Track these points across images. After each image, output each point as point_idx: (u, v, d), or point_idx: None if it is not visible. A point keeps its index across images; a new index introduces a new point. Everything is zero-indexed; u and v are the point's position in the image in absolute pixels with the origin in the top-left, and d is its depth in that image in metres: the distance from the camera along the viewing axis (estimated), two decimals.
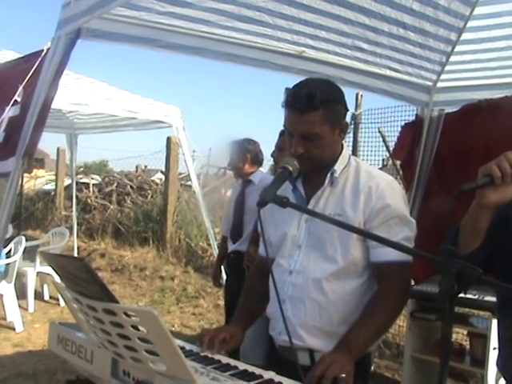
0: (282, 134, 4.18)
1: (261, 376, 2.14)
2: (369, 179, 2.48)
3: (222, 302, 8.49)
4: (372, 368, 5.98)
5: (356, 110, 6.85)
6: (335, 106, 2.44)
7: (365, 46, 4.48)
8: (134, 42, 3.88)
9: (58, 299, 8.42)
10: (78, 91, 7.68)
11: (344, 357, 2.23)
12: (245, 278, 4.65)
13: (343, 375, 2.11)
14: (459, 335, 5.92)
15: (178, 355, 1.83)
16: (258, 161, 5.34)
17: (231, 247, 5.37)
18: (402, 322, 6.38)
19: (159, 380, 1.96)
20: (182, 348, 2.37)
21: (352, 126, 6.89)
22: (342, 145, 2.59)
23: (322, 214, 2.35)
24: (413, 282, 5.24)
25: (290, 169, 2.21)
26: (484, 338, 4.46)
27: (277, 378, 2.13)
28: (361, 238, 2.44)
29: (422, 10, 4.18)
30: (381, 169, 7.06)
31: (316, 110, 2.36)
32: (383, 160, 7.34)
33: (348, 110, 2.56)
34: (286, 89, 2.46)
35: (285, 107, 2.45)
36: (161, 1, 3.57)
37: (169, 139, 11.89)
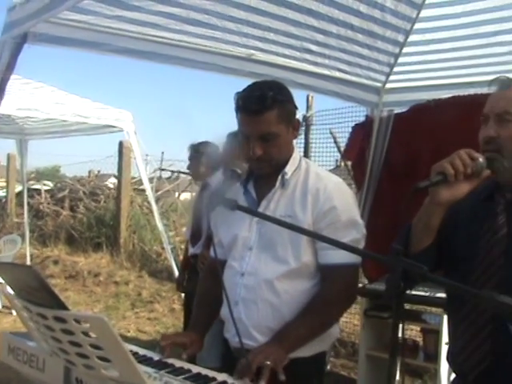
0: (228, 137, 4.19)
1: (214, 379, 2.15)
2: (317, 181, 2.51)
3: (177, 306, 8.48)
4: (328, 367, 6.04)
5: (307, 111, 6.88)
6: (287, 104, 2.48)
7: (314, 47, 4.50)
8: (82, 46, 3.84)
9: (10, 308, 8.27)
10: (27, 96, 7.56)
11: (273, 347, 2.27)
12: None
13: (268, 362, 2.14)
14: (413, 332, 6.01)
15: (130, 360, 1.82)
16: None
17: (190, 251, 5.35)
18: (356, 321, 6.45)
19: None
20: (135, 353, 2.36)
21: (303, 128, 6.92)
22: (294, 147, 2.61)
23: (270, 216, 2.38)
24: (366, 281, 5.32)
25: (239, 171, 2.22)
26: (436, 333, 4.54)
27: (230, 379, 2.14)
28: (311, 239, 2.45)
29: (370, 12, 4.23)
30: (334, 170, 7.11)
31: (271, 110, 2.39)
32: (336, 161, 7.40)
33: (297, 109, 2.59)
34: (237, 93, 2.48)
35: (238, 111, 2.46)
36: (109, 5, 3.53)
37: (121, 143, 11.81)
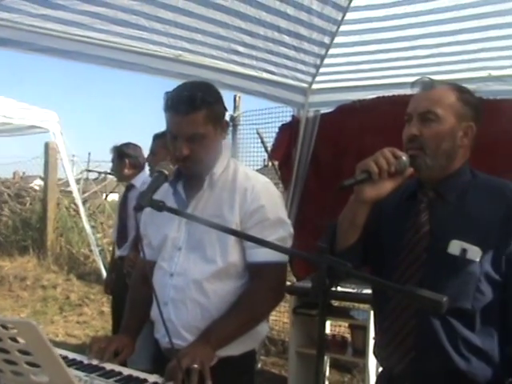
0: (154, 138, 4.17)
1: (146, 380, 2.14)
2: (245, 181, 2.53)
3: (106, 309, 8.37)
4: (259, 365, 6.08)
5: (234, 112, 6.90)
6: (216, 106, 2.48)
7: (241, 49, 4.53)
8: (5, 44, 3.74)
9: None
10: None
11: (200, 348, 2.27)
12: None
13: (195, 366, 2.14)
14: (341, 328, 6.12)
15: (60, 365, 1.79)
16: (138, 165, 5.28)
17: (117, 253, 5.30)
18: (286, 319, 6.51)
19: None
20: (65, 357, 2.32)
21: (231, 128, 6.94)
22: (222, 147, 2.62)
23: (196, 216, 2.39)
24: (294, 280, 5.38)
25: (166, 172, 2.21)
26: (364, 329, 4.64)
27: (161, 380, 2.14)
28: (238, 239, 2.48)
29: (297, 15, 4.29)
30: (261, 169, 7.15)
31: (199, 111, 2.39)
32: (264, 160, 7.44)
33: (227, 110, 2.61)
34: (166, 93, 2.47)
35: (166, 111, 2.46)
36: (33, 3, 3.46)
37: (47, 144, 11.57)
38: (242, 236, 2.40)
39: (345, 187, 1.99)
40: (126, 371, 2.23)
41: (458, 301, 2.02)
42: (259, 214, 2.47)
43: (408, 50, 4.64)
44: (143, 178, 5.28)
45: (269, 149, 6.21)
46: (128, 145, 5.31)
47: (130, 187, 5.28)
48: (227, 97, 6.67)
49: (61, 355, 1.96)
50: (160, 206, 2.02)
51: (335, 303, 5.23)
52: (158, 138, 4.16)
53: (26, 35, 3.76)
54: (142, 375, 2.19)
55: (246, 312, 2.45)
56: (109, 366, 2.28)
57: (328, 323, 5.50)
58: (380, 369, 2.46)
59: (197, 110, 2.39)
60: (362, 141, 5.13)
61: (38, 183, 15.71)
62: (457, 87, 2.19)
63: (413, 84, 2.21)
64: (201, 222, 2.17)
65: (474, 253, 2.04)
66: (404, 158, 2.05)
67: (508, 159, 4.16)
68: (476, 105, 2.19)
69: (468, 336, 2.06)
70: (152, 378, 2.16)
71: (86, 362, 2.33)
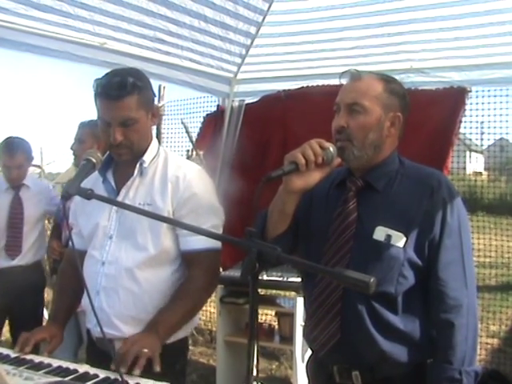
0: (81, 126, 4.08)
1: (76, 370, 2.12)
2: (177, 169, 2.54)
3: None
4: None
5: (159, 101, 6.84)
6: (146, 91, 2.49)
7: (167, 37, 4.50)
8: None
9: None
10: None
11: (149, 337, 2.28)
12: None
13: (145, 350, 2.15)
14: (268, 316, 6.18)
15: None
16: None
17: (6, 263, 4.78)
18: (212, 309, 6.52)
19: None
20: None
21: None
22: (152, 135, 2.63)
23: (127, 204, 2.38)
24: (221, 269, 5.40)
25: (94, 160, 2.18)
26: (291, 316, 4.69)
27: (92, 370, 2.12)
28: (170, 226, 2.49)
29: (223, 4, 4.30)
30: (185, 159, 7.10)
31: (130, 95, 2.39)
32: (187, 151, 7.41)
33: (156, 96, 2.60)
34: (96, 80, 2.45)
35: (98, 97, 2.44)
36: None
37: None
38: (174, 223, 2.42)
39: (272, 178, 2.00)
40: (55, 363, 2.20)
41: (381, 285, 2.08)
42: (192, 202, 2.49)
43: (333, 42, 4.69)
44: (32, 177, 5.02)
45: (193, 139, 6.19)
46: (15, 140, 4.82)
47: (19, 187, 4.87)
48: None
49: None
50: (88, 194, 1.99)
51: (262, 291, 5.27)
52: (84, 126, 4.06)
53: None
54: (72, 366, 2.17)
55: (189, 301, 2.47)
56: (37, 359, 2.26)
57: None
58: (307, 355, 2.50)
59: (128, 94, 2.39)
60: (287, 131, 5.20)
61: None
62: (383, 78, 2.24)
63: (341, 75, 2.25)
64: (130, 210, 2.14)
65: (398, 239, 2.11)
66: (331, 148, 2.09)
67: (423, 148, 4.32)
68: (403, 94, 2.24)
69: (391, 319, 2.13)
70: (82, 368, 2.15)
71: (13, 355, 2.29)
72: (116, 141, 2.42)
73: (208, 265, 2.52)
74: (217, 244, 2.50)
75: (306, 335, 2.40)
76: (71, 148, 4.18)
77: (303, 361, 4.51)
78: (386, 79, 2.23)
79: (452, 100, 4.52)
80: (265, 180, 1.97)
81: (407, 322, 2.14)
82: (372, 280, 1.43)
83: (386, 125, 2.18)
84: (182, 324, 2.48)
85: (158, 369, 2.15)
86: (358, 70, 2.25)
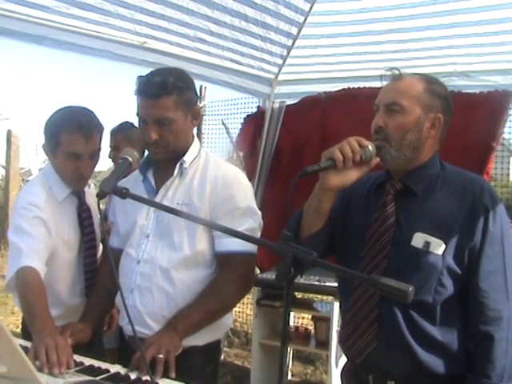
0: (112, 133, 4.08)
1: (107, 370, 2.13)
2: (216, 170, 2.54)
3: None
4: (222, 357, 6.06)
5: (200, 102, 6.86)
6: (187, 91, 2.48)
7: (207, 37, 4.48)
8: None
9: None
10: None
11: (166, 336, 2.27)
12: None
13: (161, 356, 2.14)
14: (305, 320, 6.14)
15: (20, 355, 1.77)
16: None
17: None
18: (249, 311, 6.51)
19: (1, 382, 1.86)
20: (25, 347, 2.28)
21: None
22: (194, 136, 2.63)
23: (161, 204, 2.38)
24: (258, 271, 5.37)
25: (130, 159, 2.19)
26: (327, 321, 4.63)
27: (123, 370, 2.13)
28: (207, 228, 2.48)
29: (264, 3, 4.27)
30: (227, 161, 7.09)
31: (169, 95, 2.40)
32: (229, 152, 7.40)
33: (199, 98, 2.59)
34: (139, 77, 2.48)
35: (138, 95, 2.46)
36: None
37: (9, 132, 11.38)
38: (210, 225, 2.41)
39: (308, 173, 1.98)
40: (87, 361, 2.21)
41: (419, 294, 2.02)
42: (229, 203, 2.48)
43: (375, 44, 4.64)
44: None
45: (234, 139, 6.18)
46: None
47: None
48: None
49: (21, 345, 1.92)
50: (123, 193, 1.98)
51: (298, 295, 5.24)
52: (116, 132, 4.07)
53: None
54: (104, 365, 2.18)
55: (214, 301, 2.45)
56: None
57: (291, 315, 5.51)
58: (342, 360, 2.45)
59: (166, 94, 2.40)
60: (326, 133, 5.15)
61: (2, 172, 15.51)
62: (425, 78, 2.18)
63: (382, 75, 2.20)
64: (164, 210, 2.13)
65: (437, 246, 2.05)
66: (370, 147, 2.05)
67: (463, 153, 4.22)
68: (445, 96, 2.18)
69: (428, 329, 2.07)
70: (114, 368, 2.15)
71: None
72: (150, 139, 2.43)
73: (241, 268, 2.49)
74: (252, 248, 2.48)
75: (342, 342, 2.34)
76: (109, 156, 4.18)
77: (337, 366, 4.46)
78: (428, 79, 2.18)
79: (495, 104, 4.40)
80: (300, 175, 1.95)
81: (445, 333, 2.08)
82: (410, 289, 1.39)
83: (426, 126, 2.12)
84: (205, 323, 2.45)
85: (173, 375, 2.14)
86: (400, 70, 2.19)
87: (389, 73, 2.19)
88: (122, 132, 3.96)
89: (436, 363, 2.08)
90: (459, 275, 2.06)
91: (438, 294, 2.06)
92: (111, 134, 4.10)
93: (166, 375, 2.11)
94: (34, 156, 9.52)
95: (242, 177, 2.64)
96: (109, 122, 3.92)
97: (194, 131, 2.67)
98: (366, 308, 2.13)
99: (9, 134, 11.41)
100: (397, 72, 2.18)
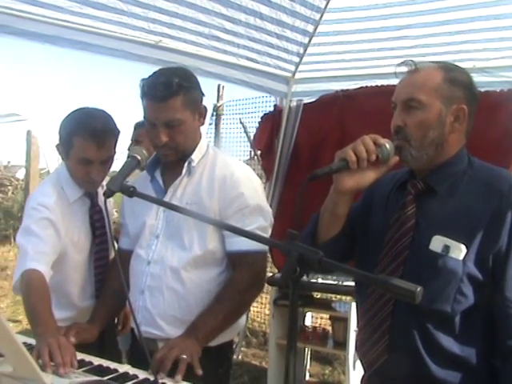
0: (136, 126, 4.08)
1: (116, 370, 2.11)
2: (224, 168, 2.51)
3: None
4: (239, 357, 6.05)
5: (218, 101, 6.85)
6: (193, 91, 2.46)
7: (222, 35, 4.46)
8: None
9: None
10: None
11: (188, 341, 2.26)
12: None
13: (184, 356, 2.13)
14: (323, 320, 6.10)
15: (24, 354, 1.75)
16: None
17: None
18: (267, 311, 6.48)
19: (6, 382, 1.85)
20: (29, 345, 2.26)
21: (214, 118, 6.90)
22: (201, 134, 2.60)
23: (169, 202, 2.37)
24: (276, 271, 5.34)
25: (138, 158, 2.17)
26: (345, 321, 4.60)
27: (132, 370, 2.11)
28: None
29: (279, 1, 4.23)
30: (249, 160, 7.06)
31: (176, 96, 2.37)
32: (250, 152, 7.37)
33: (204, 96, 2.56)
34: (142, 80, 2.45)
35: (143, 98, 2.44)
36: None
37: (29, 133, 11.43)
38: (219, 225, 2.38)
39: (317, 177, 1.88)
40: (96, 361, 2.19)
41: (436, 302, 1.90)
42: (239, 202, 2.45)
43: (392, 40, 4.58)
44: None
45: (251, 138, 6.16)
46: None
47: None
48: (211, 86, 6.62)
49: (25, 343, 1.91)
50: (131, 192, 1.96)
51: (317, 295, 5.20)
52: (140, 126, 4.06)
53: (2, 18, 3.66)
54: (113, 365, 2.16)
55: (231, 304, 2.43)
56: (79, 356, 2.22)
57: (309, 315, 5.49)
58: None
59: (173, 95, 2.37)
60: (343, 131, 5.11)
61: (23, 173, 15.61)
62: (443, 66, 2.02)
63: (396, 68, 2.04)
64: (173, 209, 2.11)
65: (457, 250, 1.88)
66: (387, 145, 1.93)
67: (486, 153, 4.14)
68: (467, 83, 2.02)
69: (445, 342, 1.91)
70: (122, 368, 2.14)
71: None
72: (161, 142, 2.41)
73: (252, 267, 2.47)
74: (263, 246, 2.45)
75: (357, 348, 2.22)
76: (128, 149, 4.18)
77: (354, 368, 4.42)
78: (447, 67, 2.01)
79: None
80: (310, 178, 1.87)
81: (464, 347, 1.91)
82: (419, 289, 1.32)
83: (449, 120, 1.95)
84: (224, 327, 2.43)
85: (200, 372, 2.13)
86: (415, 61, 2.02)
87: (402, 66, 2.03)
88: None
89: (454, 380, 1.92)
90: (481, 283, 1.89)
91: (458, 302, 1.89)
92: (134, 128, 4.11)
93: (188, 376, 2.09)
94: (52, 156, 9.58)
95: (252, 174, 2.61)
96: (126, 121, 3.91)
97: (202, 130, 2.64)
98: (379, 317, 2.02)
99: (28, 135, 11.45)
100: (411, 62, 2.01)
